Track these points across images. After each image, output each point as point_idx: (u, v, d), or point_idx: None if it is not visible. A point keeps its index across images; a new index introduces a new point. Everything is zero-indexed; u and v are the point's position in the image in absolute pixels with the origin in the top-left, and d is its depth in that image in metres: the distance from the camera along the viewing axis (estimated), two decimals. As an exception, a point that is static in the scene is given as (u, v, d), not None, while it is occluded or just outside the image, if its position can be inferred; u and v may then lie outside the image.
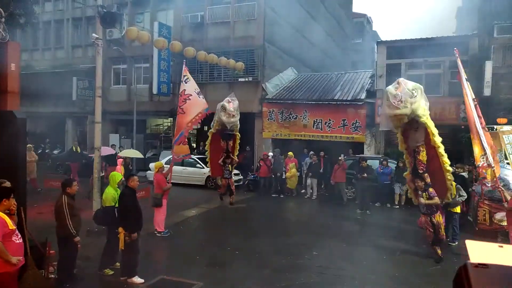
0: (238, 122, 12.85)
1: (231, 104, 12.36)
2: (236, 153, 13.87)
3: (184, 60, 11.42)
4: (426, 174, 8.12)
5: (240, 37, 19.11)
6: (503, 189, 8.16)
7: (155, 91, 19.80)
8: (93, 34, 9.79)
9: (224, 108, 12.22)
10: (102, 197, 7.59)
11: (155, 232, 9.43)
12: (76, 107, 22.76)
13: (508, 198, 7.59)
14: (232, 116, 12.27)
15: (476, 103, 8.51)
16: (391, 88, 7.72)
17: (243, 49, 18.77)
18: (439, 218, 8.08)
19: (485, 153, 8.02)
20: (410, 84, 7.71)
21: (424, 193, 8.03)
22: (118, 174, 7.60)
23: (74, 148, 17.77)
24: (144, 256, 7.95)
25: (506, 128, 10.35)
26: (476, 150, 8.30)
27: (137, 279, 6.50)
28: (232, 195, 13.35)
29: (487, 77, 14.30)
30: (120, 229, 6.51)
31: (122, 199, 6.65)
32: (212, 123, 13.19)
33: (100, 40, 9.75)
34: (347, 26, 31.87)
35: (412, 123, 7.93)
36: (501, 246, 1.31)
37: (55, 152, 22.77)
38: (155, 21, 20.08)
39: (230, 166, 13.31)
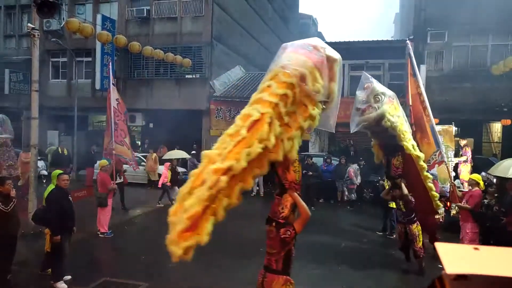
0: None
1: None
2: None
3: (109, 60, 10.81)
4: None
5: (187, 33, 18.84)
6: (455, 184, 8.01)
7: (98, 86, 18.99)
8: (29, 24, 9.23)
9: (383, 93, 6.96)
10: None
11: (98, 233, 9.07)
12: (9, 101, 21.20)
13: (459, 195, 7.65)
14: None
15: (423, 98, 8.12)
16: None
17: (190, 45, 18.53)
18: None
19: (438, 149, 7.71)
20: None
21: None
22: (58, 171, 7.18)
23: (60, 150, 15.54)
24: (87, 258, 7.68)
25: (437, 128, 10.95)
26: (425, 147, 7.73)
27: (61, 285, 6.13)
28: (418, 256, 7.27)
29: (421, 80, 15.28)
30: (47, 230, 6.27)
31: (47, 199, 6.33)
32: (360, 123, 6.99)
33: (37, 30, 9.22)
34: (294, 26, 32.50)
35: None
36: (477, 249, 1.12)
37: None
38: (98, 13, 19.24)
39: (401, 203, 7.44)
